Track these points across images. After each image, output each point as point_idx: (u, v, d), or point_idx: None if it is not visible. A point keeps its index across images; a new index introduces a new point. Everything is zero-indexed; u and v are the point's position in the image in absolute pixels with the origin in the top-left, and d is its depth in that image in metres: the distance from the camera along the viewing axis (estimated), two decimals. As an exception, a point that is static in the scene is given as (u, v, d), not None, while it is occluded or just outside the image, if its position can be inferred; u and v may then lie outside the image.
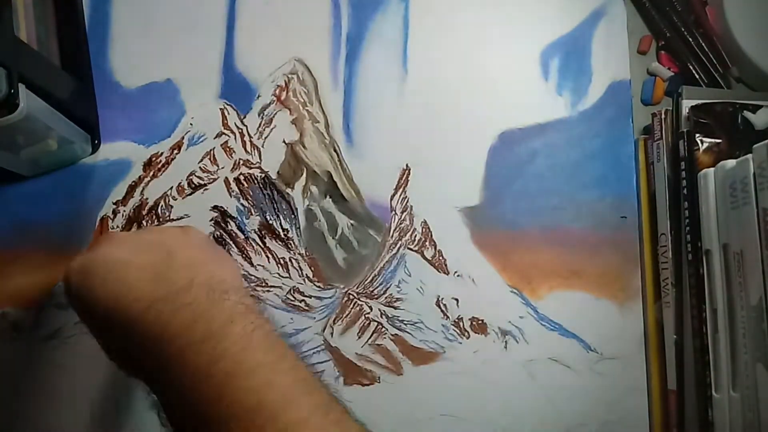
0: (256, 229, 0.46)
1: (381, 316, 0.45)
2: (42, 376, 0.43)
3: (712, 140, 0.45)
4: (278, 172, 0.46)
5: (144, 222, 0.45)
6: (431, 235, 0.47)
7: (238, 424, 0.28)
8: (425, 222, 0.47)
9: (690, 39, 0.50)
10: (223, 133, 0.47)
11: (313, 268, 0.46)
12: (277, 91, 0.47)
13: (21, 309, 0.44)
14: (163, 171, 0.46)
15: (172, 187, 0.46)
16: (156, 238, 0.35)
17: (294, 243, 0.46)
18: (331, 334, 0.45)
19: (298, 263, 0.46)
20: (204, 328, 0.30)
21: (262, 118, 0.47)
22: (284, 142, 0.47)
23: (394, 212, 0.47)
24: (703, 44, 0.50)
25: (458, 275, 0.47)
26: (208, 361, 0.29)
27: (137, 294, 0.31)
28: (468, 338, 0.46)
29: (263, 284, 0.45)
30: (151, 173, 0.46)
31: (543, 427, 0.45)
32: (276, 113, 0.47)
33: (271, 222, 0.46)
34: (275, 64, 0.48)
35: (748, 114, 0.46)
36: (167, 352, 0.30)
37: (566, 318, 0.46)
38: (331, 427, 0.29)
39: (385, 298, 0.46)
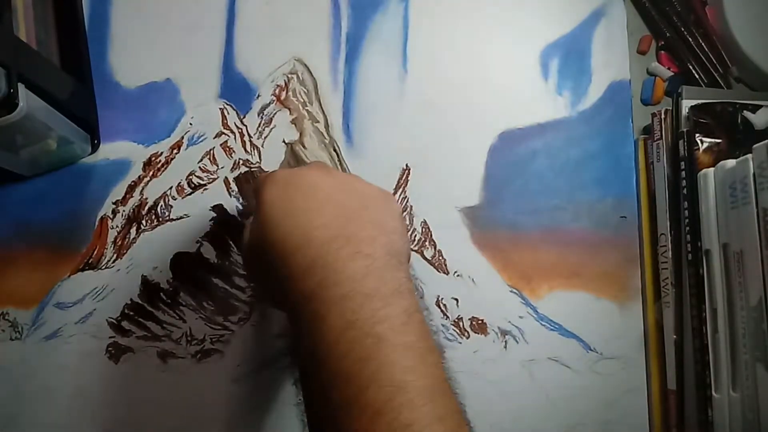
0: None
1: (381, 316, 0.45)
2: (42, 376, 0.43)
3: (712, 140, 0.45)
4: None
5: (144, 222, 0.45)
6: (431, 235, 0.47)
7: (375, 395, 0.26)
8: (425, 222, 0.47)
9: (690, 39, 0.50)
10: (223, 133, 0.47)
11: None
12: (277, 91, 0.47)
13: (21, 309, 0.44)
14: (163, 171, 0.46)
15: (171, 187, 0.46)
16: (360, 187, 0.34)
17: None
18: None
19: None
20: (375, 285, 0.29)
21: (262, 117, 0.47)
22: (284, 141, 0.47)
23: None
24: (702, 44, 0.50)
25: (458, 275, 0.46)
26: (369, 318, 0.28)
27: (329, 221, 0.31)
28: (468, 338, 0.46)
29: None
30: (151, 173, 0.46)
31: (543, 426, 0.45)
32: (276, 113, 0.47)
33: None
34: (275, 64, 0.48)
35: (747, 114, 0.46)
36: (332, 291, 0.29)
37: (566, 318, 0.46)
38: None
39: (385, 298, 0.46)
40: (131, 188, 0.46)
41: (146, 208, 0.45)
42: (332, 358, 0.28)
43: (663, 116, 0.47)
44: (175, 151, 0.46)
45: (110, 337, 0.44)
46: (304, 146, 0.47)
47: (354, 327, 0.28)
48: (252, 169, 0.45)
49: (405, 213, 0.47)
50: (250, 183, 0.40)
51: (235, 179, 0.45)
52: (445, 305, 0.46)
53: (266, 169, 0.46)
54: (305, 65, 0.48)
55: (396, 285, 0.30)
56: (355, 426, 0.26)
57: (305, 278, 0.30)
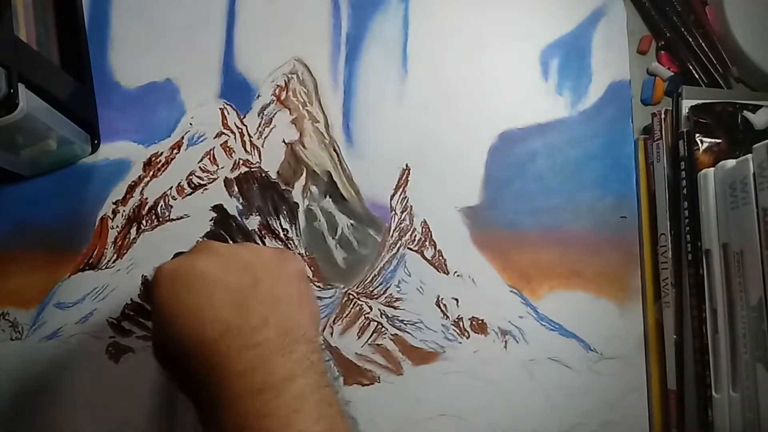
0: (256, 229, 0.46)
1: (381, 316, 0.45)
2: (42, 376, 0.43)
3: (712, 140, 0.45)
4: (278, 172, 0.46)
5: (144, 222, 0.45)
6: (431, 235, 0.47)
7: None
8: (425, 222, 0.47)
9: (690, 39, 0.50)
10: (223, 133, 0.47)
11: (312, 268, 0.46)
12: (277, 91, 0.47)
13: (21, 309, 0.44)
14: (163, 171, 0.46)
15: (171, 187, 0.46)
16: (250, 259, 0.34)
17: (294, 243, 0.46)
18: (331, 333, 0.45)
19: (298, 263, 0.46)
20: (263, 378, 0.30)
21: (262, 117, 0.47)
22: (284, 141, 0.47)
23: (394, 212, 0.47)
24: (702, 44, 0.50)
25: (458, 275, 0.46)
26: (258, 414, 0.29)
27: (216, 315, 0.31)
28: (468, 338, 0.46)
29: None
30: (151, 173, 0.46)
31: (543, 426, 0.45)
32: (276, 113, 0.47)
33: (270, 222, 0.46)
34: (275, 64, 0.48)
35: (747, 114, 0.46)
36: (225, 390, 0.29)
37: (566, 318, 0.46)
38: None
39: (385, 298, 0.46)
40: (131, 188, 0.46)
41: (146, 208, 0.45)
42: None
43: (663, 116, 0.47)
44: (175, 151, 0.46)
45: (110, 337, 0.44)
46: (304, 146, 0.47)
47: (246, 421, 0.29)
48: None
49: (405, 213, 0.47)
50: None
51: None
52: (445, 305, 0.46)
53: (266, 170, 0.46)
54: (305, 65, 0.48)
55: (287, 370, 0.31)
56: None
57: (204, 381, 0.30)
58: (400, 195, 0.47)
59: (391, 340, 0.45)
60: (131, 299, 0.44)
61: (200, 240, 0.36)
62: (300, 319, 0.33)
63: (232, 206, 0.46)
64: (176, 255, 0.44)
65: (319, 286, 0.46)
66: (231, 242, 0.44)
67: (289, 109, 0.47)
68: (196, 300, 0.31)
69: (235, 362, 0.30)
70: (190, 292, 0.31)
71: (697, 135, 0.45)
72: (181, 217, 0.46)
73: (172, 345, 0.31)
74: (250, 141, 0.47)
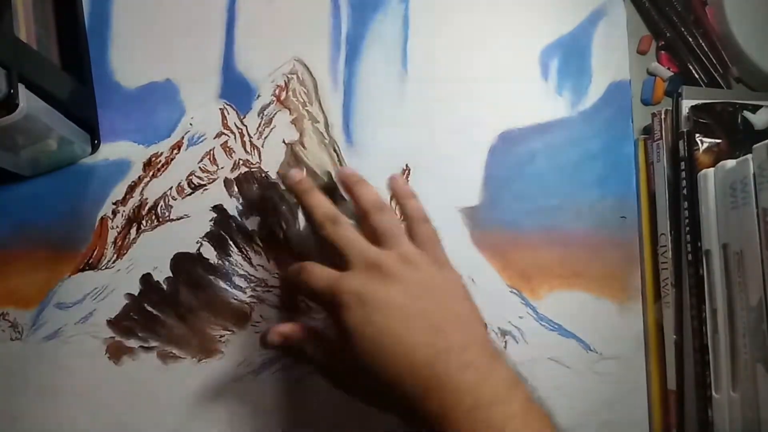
0: (256, 229, 0.46)
1: (381, 316, 0.45)
2: (42, 376, 0.43)
3: (712, 140, 0.45)
4: (278, 172, 0.46)
5: (144, 222, 0.45)
6: (431, 235, 0.47)
7: None
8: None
9: (690, 39, 0.50)
10: (223, 133, 0.47)
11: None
12: (277, 91, 0.47)
13: (21, 309, 0.44)
14: (163, 171, 0.46)
15: (171, 187, 0.46)
16: (426, 282, 0.35)
17: (294, 243, 0.46)
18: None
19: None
20: (492, 390, 0.31)
21: (262, 118, 0.47)
22: (284, 142, 0.47)
23: (394, 212, 0.47)
24: (703, 44, 0.50)
25: (458, 275, 0.46)
26: (498, 421, 0.30)
27: (421, 340, 0.32)
28: (468, 338, 0.46)
29: (263, 284, 0.45)
30: (151, 173, 0.46)
31: (543, 427, 0.45)
32: (276, 113, 0.47)
33: (270, 222, 0.46)
34: (275, 64, 0.48)
35: (747, 114, 0.46)
36: (457, 409, 0.30)
37: (566, 318, 0.46)
38: None
39: (385, 298, 0.46)
40: (131, 188, 0.46)
41: (146, 208, 0.45)
42: None
43: (663, 116, 0.47)
44: (175, 151, 0.46)
45: (110, 338, 0.44)
46: (304, 146, 0.47)
47: None
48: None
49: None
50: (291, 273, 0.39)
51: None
52: (445, 305, 0.46)
53: (266, 170, 0.46)
54: (305, 65, 0.48)
55: (506, 379, 0.32)
56: None
57: (423, 400, 0.31)
58: (400, 195, 0.47)
59: (391, 340, 0.45)
60: (131, 299, 0.44)
61: (357, 257, 0.36)
62: (486, 333, 0.35)
63: (232, 206, 0.46)
64: (177, 254, 0.45)
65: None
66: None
67: (289, 109, 0.47)
68: (394, 326, 0.32)
69: (458, 382, 0.31)
70: (386, 319, 0.32)
71: (697, 135, 0.45)
72: (181, 218, 0.46)
73: (380, 375, 0.32)
74: (250, 141, 0.47)
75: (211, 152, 0.46)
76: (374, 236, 0.37)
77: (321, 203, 0.39)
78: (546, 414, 0.32)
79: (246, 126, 0.47)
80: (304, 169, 0.47)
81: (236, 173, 0.46)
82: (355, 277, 0.34)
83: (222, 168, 0.46)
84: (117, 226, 0.45)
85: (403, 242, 0.37)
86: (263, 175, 0.46)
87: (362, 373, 0.33)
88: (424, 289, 0.34)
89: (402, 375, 0.32)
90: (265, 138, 0.47)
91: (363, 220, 0.39)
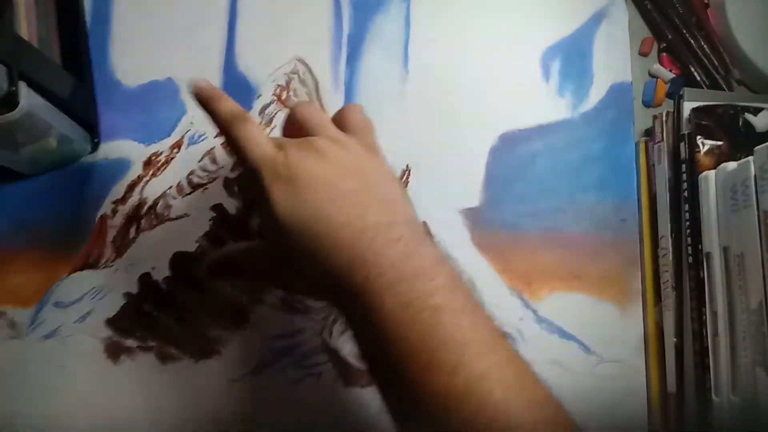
0: (256, 229, 0.46)
1: (380, 317, 0.45)
2: (40, 376, 0.43)
3: (713, 142, 0.45)
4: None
5: (143, 221, 0.45)
6: (431, 237, 0.47)
7: (447, 356, 0.29)
8: (425, 223, 0.47)
9: (692, 41, 0.50)
10: (224, 133, 0.47)
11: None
12: (278, 91, 0.47)
13: (20, 308, 0.44)
14: (163, 170, 0.46)
15: (171, 187, 0.46)
16: (355, 163, 0.34)
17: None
18: (330, 335, 0.45)
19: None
20: (417, 263, 0.31)
21: (263, 117, 0.47)
22: (284, 142, 0.47)
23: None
24: (704, 46, 0.50)
25: (458, 276, 0.46)
26: (421, 294, 0.30)
27: (346, 219, 0.31)
28: (467, 340, 0.46)
29: (263, 285, 0.45)
30: (151, 172, 0.46)
31: (542, 429, 0.45)
32: (277, 113, 0.47)
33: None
34: (276, 64, 0.48)
35: (749, 116, 0.46)
36: (379, 281, 0.30)
37: (566, 320, 0.46)
38: (511, 379, 0.30)
39: (385, 298, 0.46)
40: (131, 187, 0.46)
41: (146, 207, 0.45)
42: (398, 338, 0.30)
43: (664, 118, 0.47)
44: (175, 150, 0.46)
45: (109, 337, 0.44)
46: (304, 146, 0.47)
47: (410, 306, 0.30)
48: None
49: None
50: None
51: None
52: (444, 306, 0.46)
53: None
54: (306, 65, 0.48)
55: (433, 256, 0.32)
56: (435, 386, 0.29)
57: (348, 277, 0.31)
58: (400, 196, 0.47)
59: (390, 341, 0.45)
60: (130, 299, 0.44)
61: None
62: (415, 216, 0.34)
63: (232, 206, 0.46)
64: (176, 254, 0.44)
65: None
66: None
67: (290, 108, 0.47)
68: (321, 204, 0.31)
69: (382, 256, 0.31)
70: (314, 195, 0.31)
71: (698, 137, 0.45)
72: (181, 217, 0.45)
73: (304, 252, 0.32)
74: (251, 141, 0.47)
75: (212, 152, 0.46)
76: (301, 131, 0.36)
77: (227, 103, 0.35)
78: (470, 292, 0.32)
79: (246, 125, 0.47)
80: None
81: (236, 173, 0.46)
82: (286, 155, 0.33)
83: (222, 167, 0.46)
84: (116, 225, 0.45)
85: (329, 127, 0.36)
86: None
87: (290, 258, 0.33)
88: (353, 169, 0.33)
89: (328, 253, 0.31)
90: (266, 138, 0.47)
91: (291, 125, 0.37)
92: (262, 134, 0.34)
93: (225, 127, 0.34)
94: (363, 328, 0.32)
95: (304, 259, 0.32)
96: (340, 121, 0.37)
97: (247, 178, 0.33)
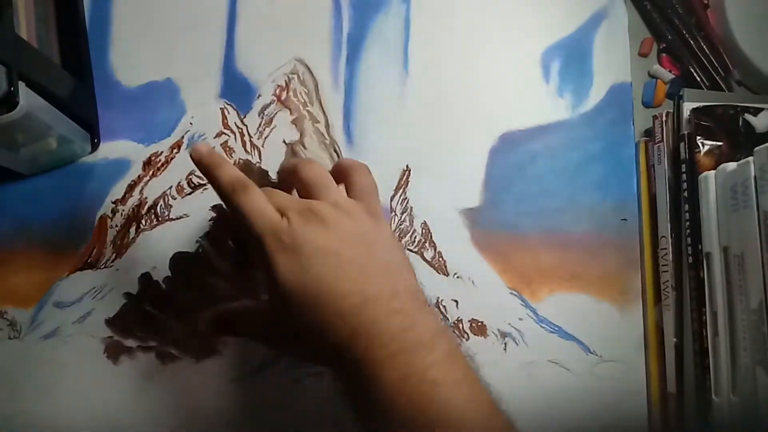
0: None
1: (380, 317, 0.45)
2: (40, 375, 0.43)
3: (713, 143, 0.45)
4: (278, 172, 0.46)
5: (143, 221, 0.45)
6: (431, 237, 0.47)
7: (427, 426, 0.30)
8: (425, 223, 0.47)
9: (691, 41, 0.50)
10: (223, 133, 0.47)
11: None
12: (278, 91, 0.47)
13: (20, 308, 0.44)
14: (163, 170, 0.46)
15: (171, 187, 0.46)
16: (357, 230, 0.34)
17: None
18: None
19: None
20: (415, 336, 0.32)
21: (263, 117, 0.47)
22: (284, 142, 0.47)
23: (394, 213, 0.47)
24: (704, 47, 0.50)
25: (458, 277, 0.46)
26: (420, 367, 0.31)
27: (349, 288, 0.32)
28: (467, 340, 0.46)
29: (262, 285, 0.45)
30: (151, 172, 0.46)
31: (542, 429, 0.45)
32: (276, 113, 0.47)
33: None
34: (276, 64, 0.48)
35: (749, 117, 0.46)
36: (380, 352, 0.31)
37: (566, 320, 0.46)
38: None
39: (385, 299, 0.46)
40: (131, 187, 0.46)
41: (146, 207, 0.45)
42: (396, 409, 0.30)
43: (664, 119, 0.47)
44: (175, 150, 0.46)
45: (109, 337, 0.44)
46: (304, 146, 0.47)
47: (409, 379, 0.31)
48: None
49: (405, 214, 0.47)
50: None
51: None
52: (444, 307, 0.46)
53: (266, 170, 0.46)
54: (306, 65, 0.48)
55: (432, 329, 0.33)
56: None
57: (349, 346, 0.31)
58: (400, 196, 0.47)
59: (390, 341, 0.45)
60: (130, 299, 0.44)
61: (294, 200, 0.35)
62: (416, 284, 0.35)
63: (232, 206, 0.46)
64: (176, 254, 0.44)
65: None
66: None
67: (290, 109, 0.47)
68: (325, 274, 0.32)
69: (384, 327, 0.31)
70: (319, 267, 0.32)
71: (698, 138, 0.45)
72: (181, 217, 0.45)
73: (306, 323, 0.32)
74: (251, 141, 0.47)
75: (211, 152, 0.46)
76: (304, 191, 0.36)
77: (228, 171, 0.35)
78: (468, 364, 0.33)
79: (246, 126, 0.47)
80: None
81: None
82: (290, 224, 0.33)
83: (222, 168, 0.46)
84: (116, 225, 0.45)
85: (333, 190, 0.36)
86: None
87: (292, 325, 0.33)
88: (357, 237, 0.34)
89: (330, 323, 0.32)
90: (266, 138, 0.47)
91: (292, 179, 0.37)
92: (265, 202, 0.34)
93: (227, 197, 0.34)
94: (361, 397, 0.32)
95: (306, 327, 0.32)
96: (345, 179, 0.37)
97: (250, 243, 0.34)
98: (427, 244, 0.47)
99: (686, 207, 0.45)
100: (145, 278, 0.44)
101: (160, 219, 0.45)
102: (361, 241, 0.34)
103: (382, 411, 0.31)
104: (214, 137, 0.46)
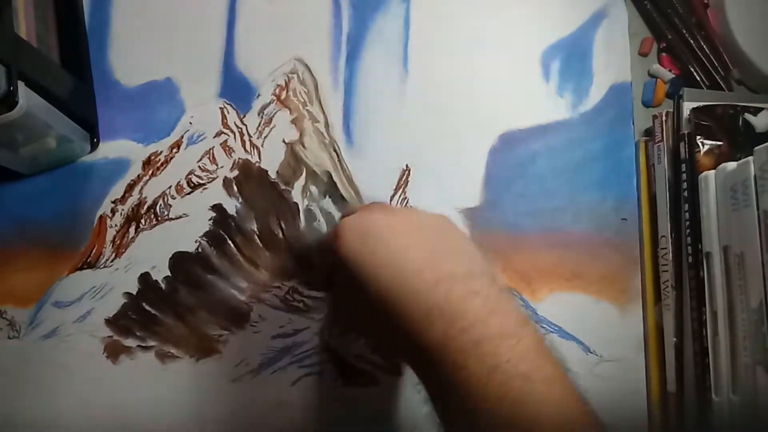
0: (255, 229, 0.45)
1: (380, 317, 0.45)
2: (39, 375, 0.43)
3: (713, 142, 0.45)
4: (278, 172, 0.46)
5: (143, 221, 0.45)
6: (431, 236, 0.47)
7: (522, 425, 0.27)
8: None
9: (691, 41, 0.50)
10: (223, 132, 0.47)
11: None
12: (277, 91, 0.47)
13: (19, 307, 0.44)
14: (162, 170, 0.46)
15: (171, 186, 0.46)
16: (424, 220, 0.33)
17: (293, 243, 0.46)
18: (330, 334, 0.45)
19: (297, 263, 0.46)
20: (501, 322, 0.28)
21: (262, 117, 0.47)
22: (284, 141, 0.47)
23: None
24: (704, 46, 0.50)
25: (458, 276, 0.46)
26: (510, 358, 0.27)
27: (422, 266, 0.30)
28: (467, 340, 0.45)
29: (262, 284, 0.45)
30: (150, 172, 0.46)
31: (542, 429, 0.45)
32: (276, 113, 0.47)
33: (269, 222, 0.46)
34: (275, 64, 0.48)
35: (749, 116, 0.46)
36: (461, 338, 0.28)
37: (566, 320, 0.46)
38: None
39: (385, 298, 0.46)
40: (130, 187, 0.46)
41: (145, 207, 0.45)
42: (488, 404, 0.27)
43: (664, 118, 0.47)
44: (174, 150, 0.46)
45: (108, 337, 0.44)
46: (304, 146, 0.47)
47: (498, 370, 0.27)
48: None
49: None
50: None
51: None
52: (444, 306, 0.46)
53: (266, 169, 0.46)
54: (306, 65, 0.48)
55: (517, 315, 0.30)
56: None
57: (427, 331, 0.29)
58: (399, 195, 0.47)
59: (390, 341, 0.45)
60: (130, 298, 0.44)
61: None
62: (493, 270, 0.32)
63: (232, 206, 0.46)
64: (176, 254, 0.44)
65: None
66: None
67: (289, 108, 0.47)
68: (391, 252, 0.30)
69: (464, 309, 0.28)
70: (384, 245, 0.31)
71: (698, 137, 0.45)
72: (180, 217, 0.45)
73: (379, 302, 0.30)
74: (250, 140, 0.47)
75: (211, 151, 0.46)
76: None
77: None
78: (558, 360, 0.29)
79: (246, 125, 0.47)
80: (304, 169, 0.46)
81: (236, 173, 0.46)
82: (355, 216, 0.33)
83: (221, 167, 0.46)
84: (116, 225, 0.45)
85: None
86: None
87: (367, 310, 0.31)
88: (426, 224, 0.33)
89: (402, 303, 0.29)
90: (265, 137, 0.47)
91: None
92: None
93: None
94: (446, 392, 0.29)
95: (377, 311, 0.30)
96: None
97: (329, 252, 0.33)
98: (426, 244, 0.47)
99: (686, 207, 0.45)
100: (145, 278, 0.44)
101: (159, 219, 0.45)
102: (431, 227, 0.33)
103: (471, 405, 0.27)
104: (214, 137, 0.46)
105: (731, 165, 0.42)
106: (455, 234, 0.34)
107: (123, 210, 0.45)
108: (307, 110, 0.47)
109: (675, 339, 0.45)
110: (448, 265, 0.30)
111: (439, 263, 0.30)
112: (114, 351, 0.44)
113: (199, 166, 0.46)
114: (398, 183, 0.47)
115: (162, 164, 0.46)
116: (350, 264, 0.31)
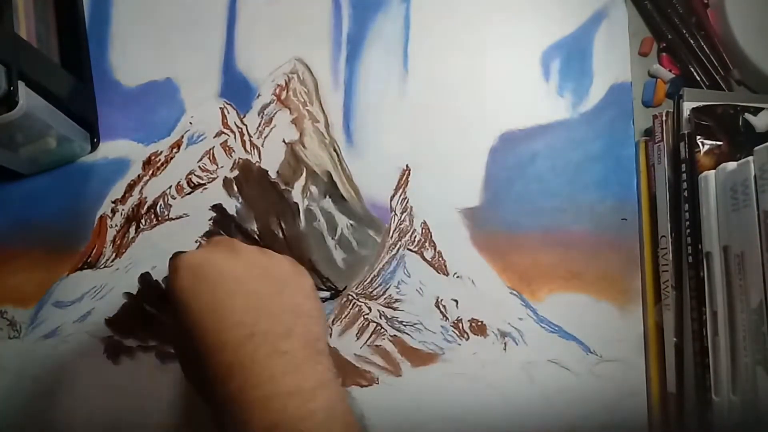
0: (255, 229, 0.46)
1: (380, 317, 0.45)
2: (40, 375, 0.43)
3: (713, 142, 0.45)
4: (278, 172, 0.46)
5: (143, 221, 0.45)
6: (431, 236, 0.47)
7: None
8: (425, 223, 0.47)
9: (691, 41, 0.50)
10: (223, 132, 0.47)
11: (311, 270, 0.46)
12: (277, 91, 0.47)
13: (20, 307, 0.44)
14: (162, 170, 0.46)
15: (171, 186, 0.46)
16: (271, 266, 0.34)
17: (293, 243, 0.46)
18: (330, 334, 0.45)
19: (297, 263, 0.46)
20: (295, 382, 0.30)
21: (262, 117, 0.47)
22: (284, 141, 0.47)
23: (393, 213, 0.47)
24: (704, 46, 0.50)
25: (458, 276, 0.46)
26: (293, 416, 0.29)
27: (239, 319, 0.30)
28: (467, 340, 0.46)
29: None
30: (150, 172, 0.46)
31: (542, 429, 0.45)
32: (276, 113, 0.47)
33: (269, 222, 0.46)
34: (275, 64, 0.48)
35: (749, 116, 0.46)
36: (252, 393, 0.29)
37: (566, 320, 0.46)
38: None
39: (384, 299, 0.46)
40: (130, 187, 0.46)
41: (145, 207, 0.45)
42: None
43: (664, 118, 0.47)
44: (174, 150, 0.46)
45: (109, 337, 0.44)
46: (304, 146, 0.47)
47: (278, 427, 0.28)
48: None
49: (405, 214, 0.47)
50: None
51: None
52: (444, 306, 0.46)
53: (266, 169, 0.46)
54: (306, 65, 0.48)
55: (317, 378, 0.31)
56: None
57: (225, 382, 0.29)
58: (400, 195, 0.47)
59: (390, 341, 0.45)
60: (130, 298, 0.44)
61: (218, 235, 0.35)
62: (319, 333, 0.33)
63: (232, 206, 0.46)
64: (176, 254, 0.44)
65: (318, 287, 0.45)
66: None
67: (290, 108, 0.47)
68: (216, 299, 0.31)
69: (263, 367, 0.30)
70: (211, 290, 0.31)
71: (698, 137, 0.45)
72: (180, 217, 0.45)
73: (192, 345, 0.31)
74: (250, 140, 0.47)
75: (211, 151, 0.46)
76: None
77: None
78: (351, 422, 0.30)
79: (246, 125, 0.47)
80: (304, 169, 0.46)
81: (236, 173, 0.46)
82: (200, 250, 0.33)
83: (221, 167, 0.46)
84: (116, 225, 0.45)
85: None
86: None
87: (177, 341, 0.32)
88: (266, 272, 0.33)
89: (210, 352, 0.30)
90: (265, 137, 0.47)
91: None
92: None
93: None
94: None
95: (192, 352, 0.31)
96: None
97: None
98: (426, 244, 0.47)
99: (686, 206, 0.45)
100: (145, 278, 0.44)
101: (159, 219, 0.45)
102: (273, 278, 0.33)
103: None
104: (214, 137, 0.46)
105: (731, 165, 0.42)
106: (298, 284, 0.34)
107: (123, 210, 0.45)
108: (307, 110, 0.47)
109: (675, 339, 0.45)
110: (267, 323, 0.31)
111: (257, 318, 0.31)
112: (114, 351, 0.44)
113: (199, 166, 0.46)
114: (398, 183, 0.47)
115: (162, 164, 0.46)
116: (177, 302, 0.31)
